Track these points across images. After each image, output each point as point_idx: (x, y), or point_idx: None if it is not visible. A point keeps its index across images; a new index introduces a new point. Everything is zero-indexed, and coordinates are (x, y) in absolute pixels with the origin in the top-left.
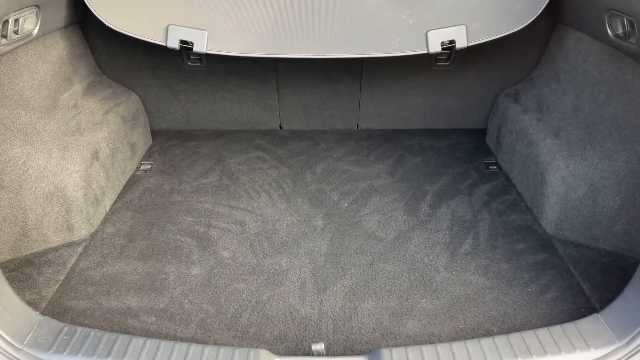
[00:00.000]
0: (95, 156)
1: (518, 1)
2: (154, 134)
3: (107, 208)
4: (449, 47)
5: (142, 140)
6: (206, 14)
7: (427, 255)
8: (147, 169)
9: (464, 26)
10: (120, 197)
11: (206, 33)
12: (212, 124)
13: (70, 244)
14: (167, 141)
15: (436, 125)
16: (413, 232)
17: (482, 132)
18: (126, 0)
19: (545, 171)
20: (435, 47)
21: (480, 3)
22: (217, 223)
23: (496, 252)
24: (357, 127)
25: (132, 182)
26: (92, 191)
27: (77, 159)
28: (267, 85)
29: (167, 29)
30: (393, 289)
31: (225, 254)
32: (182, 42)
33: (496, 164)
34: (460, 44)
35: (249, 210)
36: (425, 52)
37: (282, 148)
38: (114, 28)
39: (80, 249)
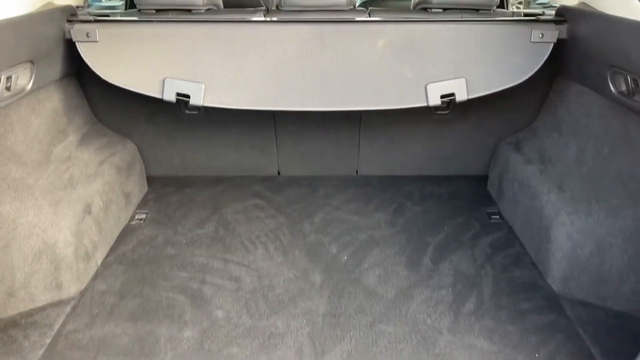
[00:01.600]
0: (88, 210)
1: (517, 55)
2: (150, 180)
3: (99, 262)
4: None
5: (137, 188)
6: (203, 68)
7: (430, 316)
8: (141, 219)
9: (463, 79)
10: (113, 249)
11: (203, 86)
12: (210, 170)
13: (59, 303)
14: (163, 188)
15: (436, 172)
16: (415, 289)
17: (482, 179)
18: (122, 53)
19: (549, 226)
20: (434, 100)
21: (479, 57)
22: (211, 279)
23: (501, 313)
24: (357, 173)
25: (126, 233)
26: (83, 246)
27: (68, 214)
28: (265, 132)
29: (163, 81)
30: (394, 353)
31: (219, 313)
32: (178, 95)
33: (498, 213)
34: (460, 96)
35: (244, 265)
36: (425, 105)
37: (280, 195)
38: (110, 82)
39: (68, 309)
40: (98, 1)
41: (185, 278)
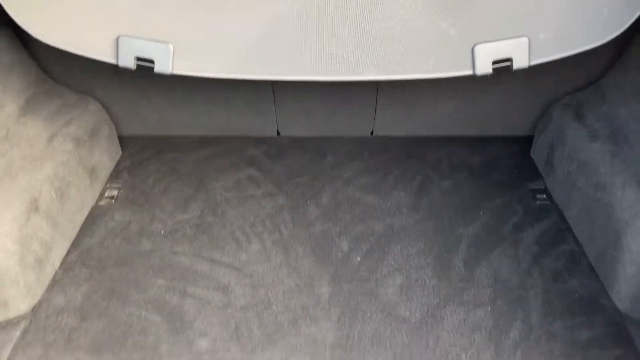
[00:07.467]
0: (34, 206)
1: (602, 3)
2: (124, 141)
3: (57, 265)
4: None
5: (106, 156)
6: (171, 21)
7: (465, 350)
8: (112, 196)
9: (525, 39)
10: (75, 243)
11: (171, 47)
12: (195, 129)
13: (6, 326)
14: (139, 152)
15: (469, 132)
16: (445, 307)
17: (525, 141)
18: (59, 1)
19: (622, 231)
20: (484, 68)
21: (550, 6)
22: (194, 290)
23: (554, 345)
24: (372, 134)
25: (94, 217)
26: (32, 253)
27: (6, 217)
28: (260, 87)
29: (117, 41)
30: None
31: (203, 344)
32: (138, 59)
33: (545, 191)
34: (520, 63)
35: (235, 268)
36: (471, 73)
37: (280, 163)
38: (44, 41)
39: (17, 333)
40: None
41: (163, 288)
